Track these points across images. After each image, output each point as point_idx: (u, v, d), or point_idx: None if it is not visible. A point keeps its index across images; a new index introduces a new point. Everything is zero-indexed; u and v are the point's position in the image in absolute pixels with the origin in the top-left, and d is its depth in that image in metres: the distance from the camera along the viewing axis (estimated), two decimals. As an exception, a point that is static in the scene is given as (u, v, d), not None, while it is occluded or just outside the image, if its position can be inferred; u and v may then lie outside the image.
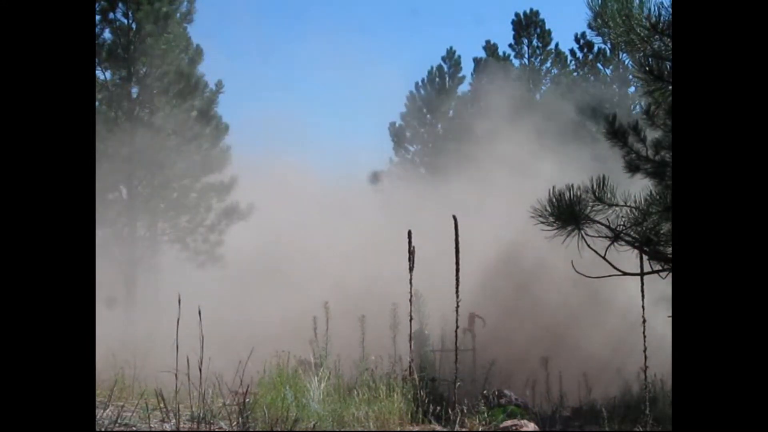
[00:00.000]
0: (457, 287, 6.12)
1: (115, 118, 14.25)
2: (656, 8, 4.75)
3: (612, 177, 5.30)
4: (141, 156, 14.32)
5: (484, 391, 6.63)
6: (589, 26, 5.07)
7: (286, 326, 10.12)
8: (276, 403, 4.68)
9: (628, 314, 9.99)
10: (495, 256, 13.37)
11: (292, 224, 15.53)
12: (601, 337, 11.74)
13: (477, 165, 16.52)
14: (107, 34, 14.66)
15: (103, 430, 4.08)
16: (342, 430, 4.69)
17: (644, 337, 5.97)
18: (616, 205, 5.29)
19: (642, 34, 4.79)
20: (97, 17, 14.25)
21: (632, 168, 5.95)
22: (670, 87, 5.01)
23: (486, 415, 5.39)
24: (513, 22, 27.28)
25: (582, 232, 5.23)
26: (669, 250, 5.34)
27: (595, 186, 5.20)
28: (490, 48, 26.89)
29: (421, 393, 5.45)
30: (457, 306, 6.11)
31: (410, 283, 6.35)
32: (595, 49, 25.39)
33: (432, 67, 26.43)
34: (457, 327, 6.17)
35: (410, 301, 6.48)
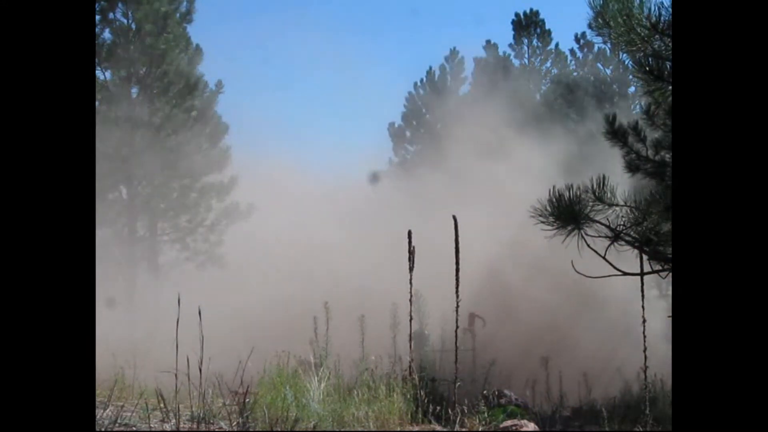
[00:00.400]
0: (457, 287, 6.11)
1: (115, 118, 14.25)
2: (656, 8, 4.75)
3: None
4: (141, 156, 14.32)
5: (484, 391, 6.63)
6: (590, 26, 5.07)
7: (286, 326, 10.11)
8: (276, 403, 4.68)
9: (627, 314, 10.01)
10: (495, 255, 13.37)
11: (291, 224, 15.52)
12: (601, 337, 11.74)
13: (477, 163, 16.54)
14: (107, 34, 14.69)
15: (103, 430, 4.08)
16: (342, 430, 4.69)
17: (644, 337, 5.97)
18: (616, 205, 5.28)
19: (642, 34, 4.78)
20: (97, 17, 14.26)
21: (632, 168, 5.95)
22: (670, 87, 5.01)
23: (486, 415, 5.39)
24: (513, 22, 27.29)
25: (582, 231, 5.23)
26: (669, 250, 5.34)
27: (595, 186, 5.20)
28: (490, 48, 26.87)
29: (421, 393, 5.45)
30: (457, 306, 6.11)
31: (410, 283, 6.35)
32: (595, 49, 25.43)
33: (431, 67, 26.43)
34: (457, 327, 6.17)
35: (410, 301, 6.47)
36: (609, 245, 5.32)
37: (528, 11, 27.43)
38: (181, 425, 4.26)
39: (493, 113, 18.14)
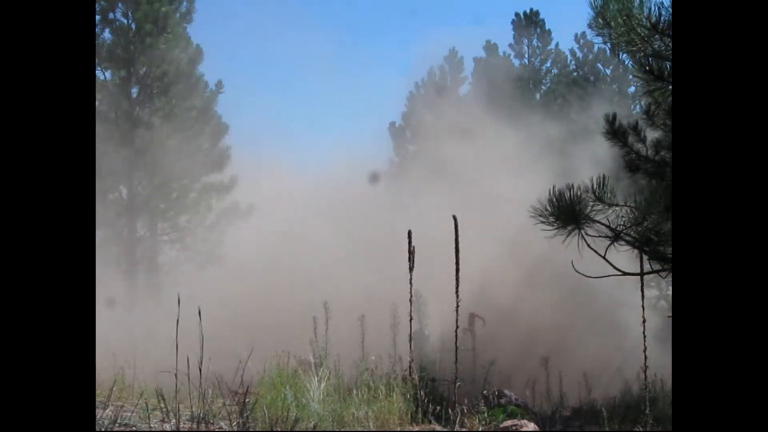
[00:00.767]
0: (457, 287, 6.12)
1: (115, 118, 14.25)
2: (656, 8, 4.75)
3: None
4: (141, 156, 14.33)
5: (484, 391, 6.62)
6: (590, 26, 5.07)
7: (286, 326, 10.11)
8: (276, 403, 4.69)
9: (627, 314, 10.01)
10: (495, 255, 13.37)
11: (291, 224, 15.51)
12: (601, 337, 11.74)
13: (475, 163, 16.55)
14: (107, 34, 14.71)
15: (103, 430, 4.08)
16: (342, 430, 4.69)
17: (644, 337, 5.97)
18: (616, 205, 5.28)
19: (642, 34, 4.78)
20: (97, 17, 14.26)
21: (632, 168, 5.95)
22: (670, 87, 5.01)
23: (486, 415, 5.39)
24: (513, 22, 27.27)
25: (582, 231, 5.23)
26: (669, 250, 5.34)
27: (595, 186, 5.20)
28: (490, 48, 26.86)
29: (421, 393, 5.46)
30: (457, 306, 6.11)
31: (410, 283, 6.35)
32: (595, 49, 25.41)
33: (432, 67, 26.41)
34: (457, 327, 6.17)
35: (410, 301, 6.48)
36: (609, 245, 5.32)
37: (528, 11, 27.41)
38: (181, 425, 4.26)
39: (493, 113, 18.15)
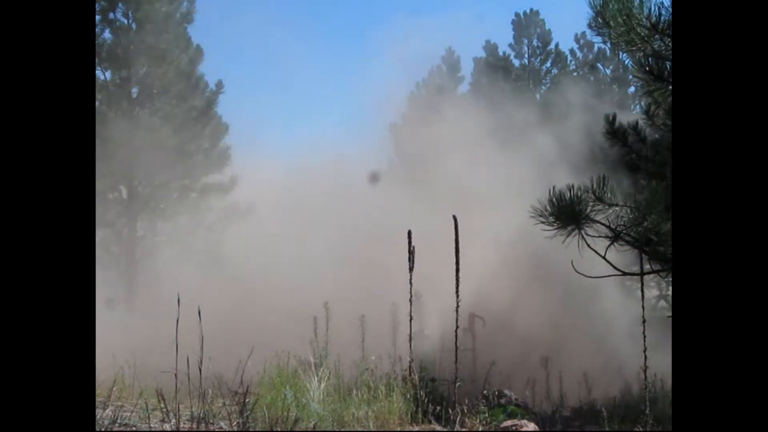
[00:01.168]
0: (457, 287, 6.12)
1: (115, 119, 14.25)
2: (656, 8, 4.75)
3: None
4: (141, 156, 14.32)
5: (484, 391, 6.62)
6: (590, 26, 5.06)
7: (286, 326, 10.10)
8: (276, 403, 4.69)
9: (626, 314, 9.99)
10: (495, 255, 13.36)
11: (291, 224, 15.51)
12: (601, 337, 11.72)
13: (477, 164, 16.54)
14: (107, 34, 14.69)
15: (103, 430, 4.08)
16: (342, 430, 4.69)
17: (644, 337, 5.97)
18: (616, 205, 5.27)
19: (642, 34, 4.78)
20: (97, 17, 14.26)
21: (632, 168, 5.95)
22: (670, 87, 5.01)
23: (486, 415, 5.39)
24: (513, 22, 27.29)
25: (582, 232, 5.23)
26: (669, 250, 5.34)
27: (595, 186, 5.20)
28: (490, 48, 26.86)
29: (421, 393, 5.46)
30: (457, 306, 6.11)
31: (410, 283, 6.36)
32: (595, 49, 25.44)
33: (432, 67, 26.42)
34: (457, 327, 6.17)
35: (410, 301, 6.48)
36: (609, 245, 5.32)
37: (528, 11, 27.46)
38: (181, 425, 4.26)
39: (492, 113, 18.15)
